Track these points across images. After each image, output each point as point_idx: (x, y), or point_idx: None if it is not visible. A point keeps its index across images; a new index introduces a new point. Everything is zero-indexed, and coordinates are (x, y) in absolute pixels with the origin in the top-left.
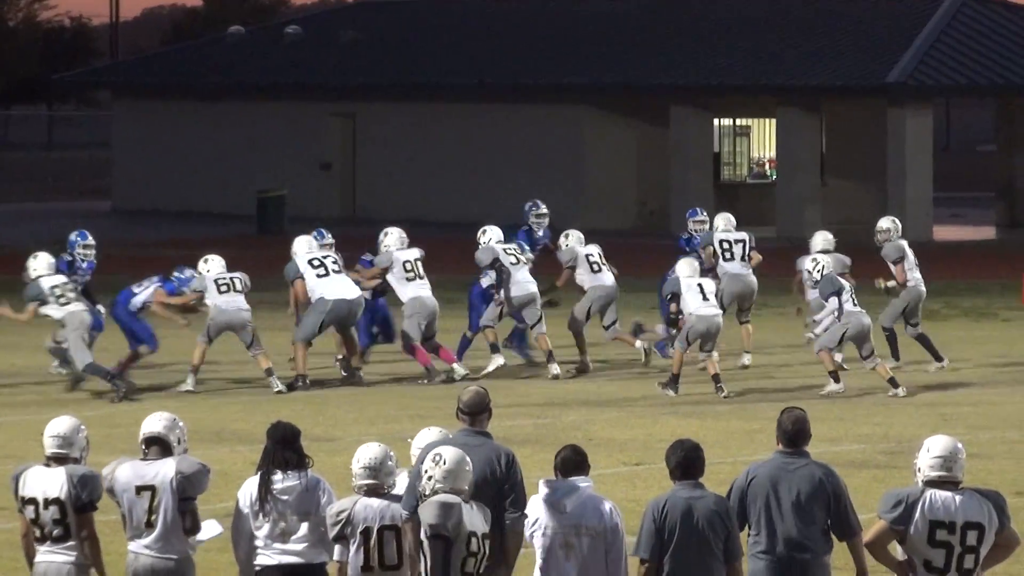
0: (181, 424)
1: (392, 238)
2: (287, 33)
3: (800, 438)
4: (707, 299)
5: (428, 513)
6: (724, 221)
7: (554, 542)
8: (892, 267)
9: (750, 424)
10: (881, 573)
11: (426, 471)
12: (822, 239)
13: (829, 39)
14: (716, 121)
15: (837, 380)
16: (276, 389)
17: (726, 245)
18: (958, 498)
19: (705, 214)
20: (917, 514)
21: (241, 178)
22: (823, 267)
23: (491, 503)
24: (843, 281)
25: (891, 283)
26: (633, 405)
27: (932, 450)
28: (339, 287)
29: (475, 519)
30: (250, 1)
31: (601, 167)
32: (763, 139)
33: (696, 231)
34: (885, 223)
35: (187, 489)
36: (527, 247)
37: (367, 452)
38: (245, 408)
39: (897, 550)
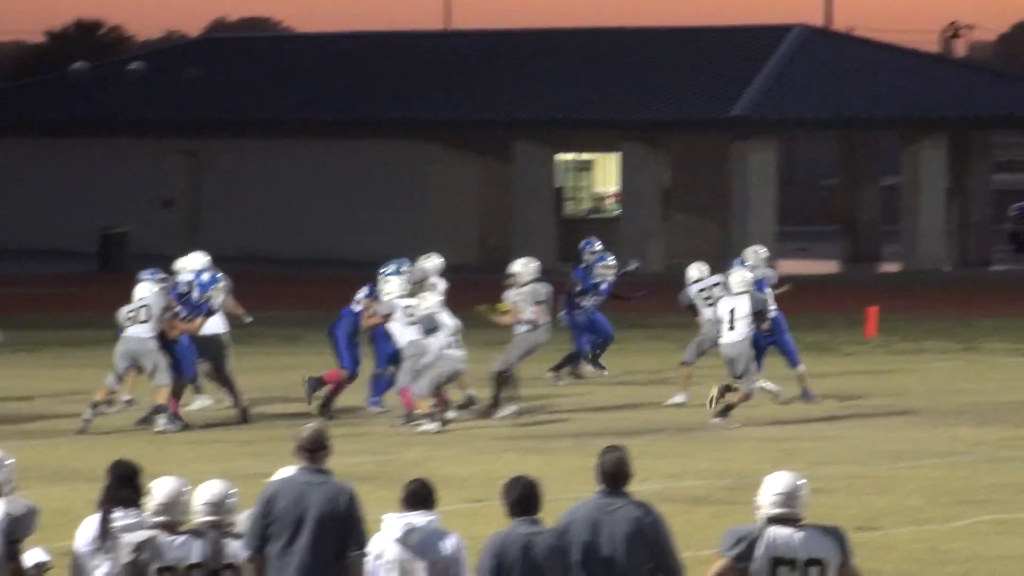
0: (8, 462)
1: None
2: (131, 69)
3: (620, 479)
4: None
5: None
6: (697, 271)
7: (397, 575)
8: (535, 307)
9: (591, 460)
10: None
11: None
12: (753, 253)
13: (673, 73)
14: (558, 156)
15: (434, 419)
16: (157, 429)
17: (706, 293)
18: (799, 534)
19: (612, 257)
20: (758, 551)
21: (83, 215)
22: (424, 306)
23: (332, 541)
24: (446, 320)
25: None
26: (474, 441)
27: (773, 487)
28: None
29: (176, 552)
30: (94, 37)
31: (443, 202)
32: (606, 174)
33: (603, 275)
34: (517, 266)
35: (16, 531)
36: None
37: (210, 488)
38: (86, 446)
39: None
